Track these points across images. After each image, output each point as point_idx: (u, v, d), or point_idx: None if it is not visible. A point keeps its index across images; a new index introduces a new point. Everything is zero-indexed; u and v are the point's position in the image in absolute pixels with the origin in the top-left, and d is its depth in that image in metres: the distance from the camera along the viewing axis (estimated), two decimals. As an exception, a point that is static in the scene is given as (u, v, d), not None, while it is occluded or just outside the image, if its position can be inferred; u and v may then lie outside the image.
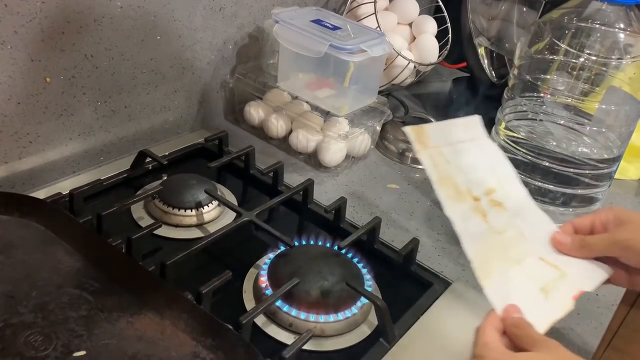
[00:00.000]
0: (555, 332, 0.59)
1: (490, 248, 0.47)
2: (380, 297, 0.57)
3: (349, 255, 0.61)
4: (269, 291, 0.55)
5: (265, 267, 0.58)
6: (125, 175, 0.70)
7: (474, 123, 0.56)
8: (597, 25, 0.64)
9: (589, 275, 0.47)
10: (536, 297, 0.45)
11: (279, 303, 0.54)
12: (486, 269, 0.46)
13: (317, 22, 0.78)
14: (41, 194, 0.64)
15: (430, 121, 0.90)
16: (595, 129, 0.67)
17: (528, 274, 0.47)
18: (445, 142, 0.53)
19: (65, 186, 0.66)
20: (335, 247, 0.61)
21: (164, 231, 0.63)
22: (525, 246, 0.49)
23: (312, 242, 0.62)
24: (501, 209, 0.51)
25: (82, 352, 0.44)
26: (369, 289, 0.56)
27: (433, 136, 0.52)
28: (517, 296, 0.44)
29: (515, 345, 0.41)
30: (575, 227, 0.49)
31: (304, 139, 0.79)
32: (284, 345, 0.49)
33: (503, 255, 0.47)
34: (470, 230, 0.48)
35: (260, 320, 0.54)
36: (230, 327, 0.46)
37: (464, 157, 0.53)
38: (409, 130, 0.52)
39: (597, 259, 0.48)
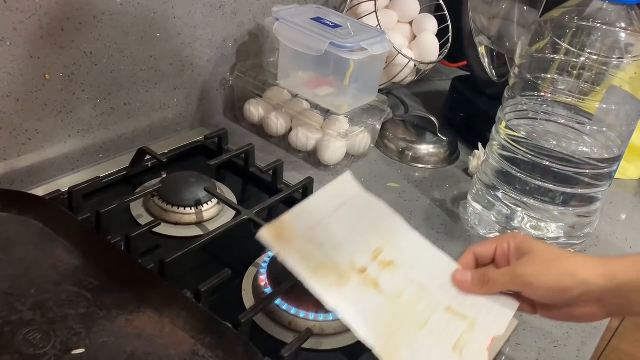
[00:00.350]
0: (554, 332, 0.59)
1: (391, 321, 0.43)
2: (380, 296, 0.57)
3: (349, 253, 0.61)
4: (268, 289, 0.55)
5: (265, 265, 0.58)
6: (124, 172, 0.70)
7: (344, 183, 0.51)
8: (598, 25, 0.64)
9: (497, 317, 0.45)
10: (451, 359, 0.42)
11: (278, 301, 0.54)
12: (391, 350, 0.41)
13: (318, 20, 0.78)
14: (40, 191, 0.64)
15: (431, 119, 0.90)
16: (595, 128, 0.67)
17: (437, 333, 0.43)
18: (313, 223, 0.47)
19: (64, 183, 0.65)
20: (335, 246, 0.61)
21: (163, 229, 0.63)
22: (428, 300, 0.45)
23: (311, 241, 0.62)
24: (393, 267, 0.46)
25: (81, 350, 0.43)
26: (369, 288, 0.56)
27: (296, 225, 0.46)
28: None
29: None
30: (476, 256, 0.48)
31: (303, 137, 0.79)
32: (283, 344, 0.49)
33: (407, 323, 0.43)
34: (363, 310, 0.43)
35: (259, 318, 0.54)
36: (230, 325, 0.46)
37: (338, 229, 0.47)
38: (263, 234, 0.44)
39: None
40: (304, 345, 0.49)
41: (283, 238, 0.45)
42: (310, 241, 0.45)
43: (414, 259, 0.48)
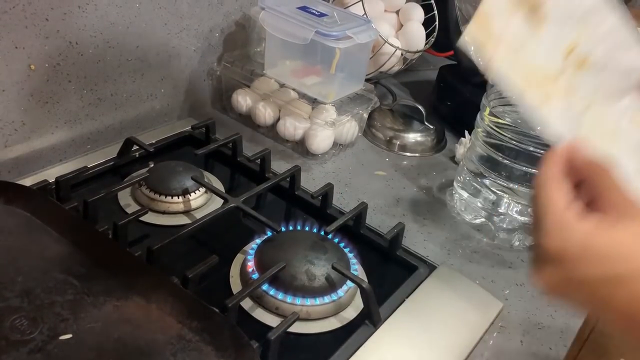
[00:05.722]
0: (538, 314, 0.60)
1: (604, 126, 0.39)
2: (366, 280, 0.58)
3: (336, 240, 0.61)
4: (255, 275, 0.55)
5: (252, 252, 0.58)
6: (112, 163, 0.70)
7: None
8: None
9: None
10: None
11: (265, 287, 0.54)
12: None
13: (304, 9, 0.78)
14: (27, 181, 0.64)
15: (419, 108, 0.90)
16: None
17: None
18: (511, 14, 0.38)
19: (51, 174, 0.65)
20: (322, 233, 0.61)
21: (151, 218, 0.63)
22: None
23: (299, 228, 0.63)
24: (586, 67, 0.40)
25: (68, 336, 0.44)
26: (355, 273, 0.57)
27: (497, 15, 0.37)
28: None
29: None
30: None
31: (291, 127, 0.79)
32: (270, 328, 0.50)
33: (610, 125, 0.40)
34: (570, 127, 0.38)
35: (246, 304, 0.54)
36: (216, 309, 0.47)
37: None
38: (470, 33, 0.36)
39: None
40: (290, 329, 0.50)
41: (490, 31, 0.37)
42: (514, 38, 0.39)
43: (606, 47, 0.41)
